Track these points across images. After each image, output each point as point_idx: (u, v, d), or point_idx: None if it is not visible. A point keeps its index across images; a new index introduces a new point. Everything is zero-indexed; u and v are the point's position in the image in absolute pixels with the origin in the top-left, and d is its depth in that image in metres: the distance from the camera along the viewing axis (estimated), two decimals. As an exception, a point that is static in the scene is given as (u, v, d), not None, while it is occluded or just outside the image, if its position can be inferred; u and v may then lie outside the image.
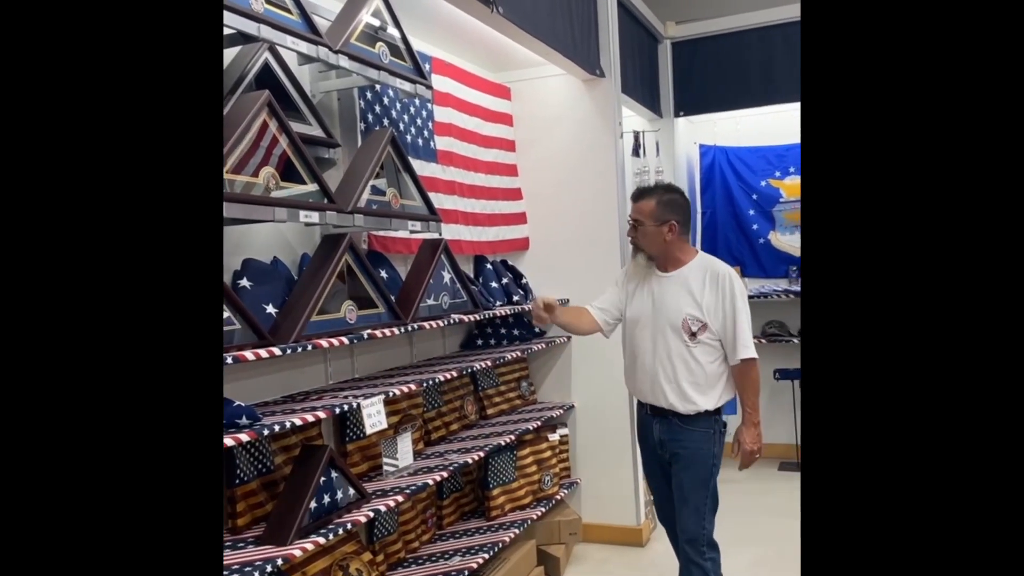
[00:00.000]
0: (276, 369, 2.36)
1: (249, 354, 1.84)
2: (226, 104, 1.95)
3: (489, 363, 3.05)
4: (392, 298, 2.47)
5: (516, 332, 3.60)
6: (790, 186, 5.07)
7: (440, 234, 2.78)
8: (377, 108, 2.82)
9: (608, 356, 3.44)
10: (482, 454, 2.87)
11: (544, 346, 3.59)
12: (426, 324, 2.60)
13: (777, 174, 5.09)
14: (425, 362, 3.10)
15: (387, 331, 2.37)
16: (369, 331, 2.29)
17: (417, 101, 3.01)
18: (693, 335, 2.43)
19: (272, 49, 2.13)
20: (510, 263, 3.74)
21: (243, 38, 2.02)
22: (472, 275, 3.38)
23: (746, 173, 5.16)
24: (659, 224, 2.47)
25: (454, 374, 2.77)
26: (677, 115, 5.01)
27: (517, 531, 3.05)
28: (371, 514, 2.21)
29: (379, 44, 2.50)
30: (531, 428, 3.30)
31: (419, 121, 3.07)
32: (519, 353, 3.33)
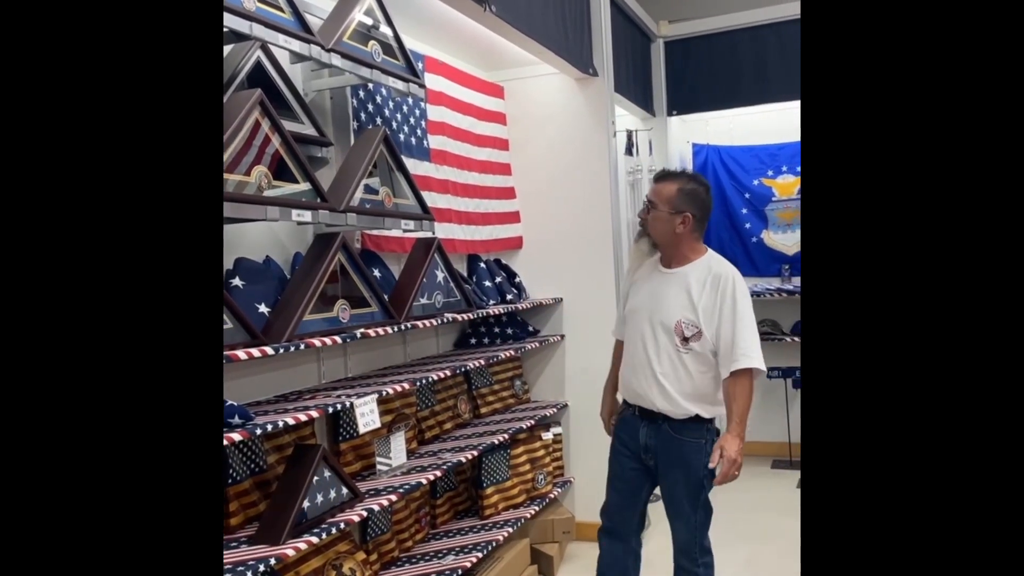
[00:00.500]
0: (269, 368, 2.36)
1: (242, 353, 1.84)
2: (218, 103, 1.94)
3: (483, 362, 3.05)
4: (385, 297, 2.47)
5: (510, 331, 3.60)
6: (783, 185, 5.09)
7: (433, 233, 2.77)
8: (370, 107, 2.81)
9: (601, 355, 3.44)
10: (476, 453, 2.88)
11: (538, 345, 3.60)
12: (419, 323, 2.60)
13: (770, 173, 5.11)
14: (418, 361, 3.10)
15: (380, 330, 2.37)
16: (362, 330, 2.28)
17: (410, 100, 3.01)
18: (685, 340, 2.27)
19: (264, 47, 2.12)
20: (503, 262, 3.75)
21: (235, 36, 2.01)
22: (466, 274, 3.38)
23: (739, 172, 5.17)
24: (673, 213, 2.28)
25: (447, 373, 2.77)
26: (670, 114, 5.03)
27: (511, 530, 3.05)
28: (364, 513, 2.21)
29: (372, 43, 2.50)
30: (525, 427, 3.31)
31: (412, 120, 3.07)
32: (513, 352, 3.33)
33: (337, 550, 2.32)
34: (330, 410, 2.14)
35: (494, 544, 2.91)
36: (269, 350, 1.92)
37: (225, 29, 1.94)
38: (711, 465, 2.22)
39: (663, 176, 2.38)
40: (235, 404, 1.90)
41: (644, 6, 4.63)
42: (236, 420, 1.86)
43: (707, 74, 4.90)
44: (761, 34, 4.75)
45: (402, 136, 2.99)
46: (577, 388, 3.78)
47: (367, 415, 2.24)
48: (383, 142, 2.50)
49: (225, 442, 1.77)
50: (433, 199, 3.07)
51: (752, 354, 2.20)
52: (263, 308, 2.10)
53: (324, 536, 2.04)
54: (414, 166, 2.96)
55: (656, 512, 2.74)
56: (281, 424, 1.94)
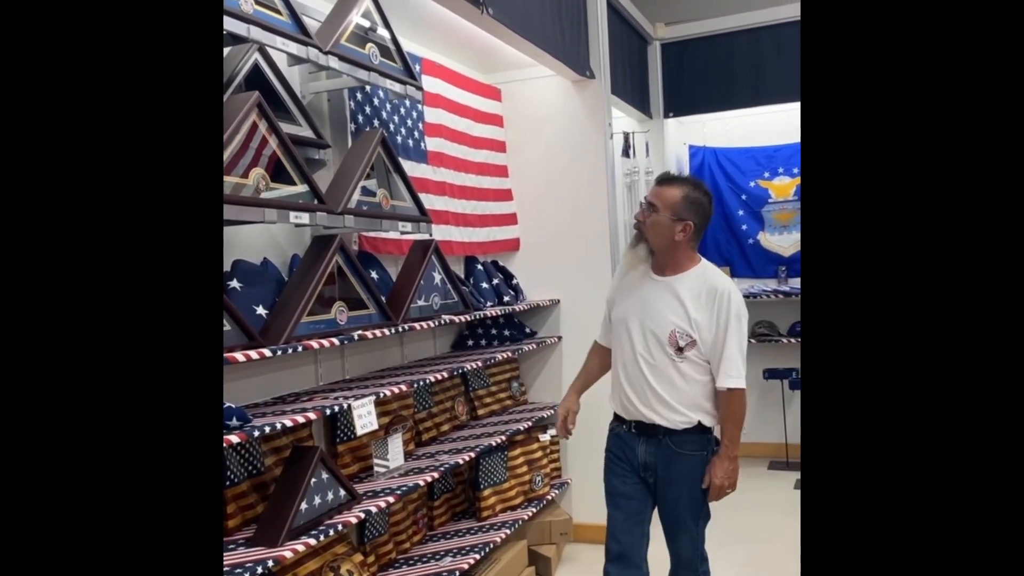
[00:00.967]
0: (266, 370, 2.36)
1: (239, 355, 1.84)
2: (216, 105, 1.94)
3: (480, 364, 3.05)
4: (383, 299, 2.47)
5: (507, 333, 3.61)
6: (779, 186, 5.10)
7: (431, 235, 2.78)
8: (367, 109, 2.81)
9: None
10: (473, 455, 2.88)
11: (535, 347, 3.60)
12: (417, 325, 2.60)
13: (766, 175, 5.12)
14: (416, 363, 3.10)
15: (378, 332, 2.37)
16: (360, 332, 2.29)
17: (407, 102, 3.01)
18: (680, 350, 2.18)
19: (262, 50, 2.12)
20: (501, 264, 3.75)
21: (232, 39, 2.01)
22: (463, 276, 3.38)
23: (735, 174, 5.19)
24: (675, 219, 2.19)
25: (445, 375, 2.77)
26: (667, 116, 5.04)
27: (508, 531, 3.05)
28: (362, 515, 2.21)
29: (369, 45, 2.50)
30: (522, 429, 3.31)
31: (409, 122, 3.07)
32: (510, 354, 3.33)
33: (335, 552, 2.32)
34: (328, 412, 2.14)
35: (492, 546, 2.91)
36: (267, 352, 1.92)
37: (223, 32, 1.94)
38: (704, 486, 2.23)
39: (668, 180, 2.27)
40: (233, 406, 1.90)
41: (641, 8, 4.64)
42: (234, 422, 1.86)
43: (704, 76, 4.91)
44: (757, 36, 4.76)
45: (399, 138, 2.99)
46: (574, 390, 3.78)
47: (365, 417, 2.24)
48: (380, 144, 2.50)
49: (223, 444, 1.77)
50: (430, 201, 3.08)
51: (736, 374, 2.17)
52: (261, 310, 2.10)
53: (322, 538, 2.04)
54: (411, 168, 2.96)
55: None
56: (279, 426, 1.94)
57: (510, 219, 3.83)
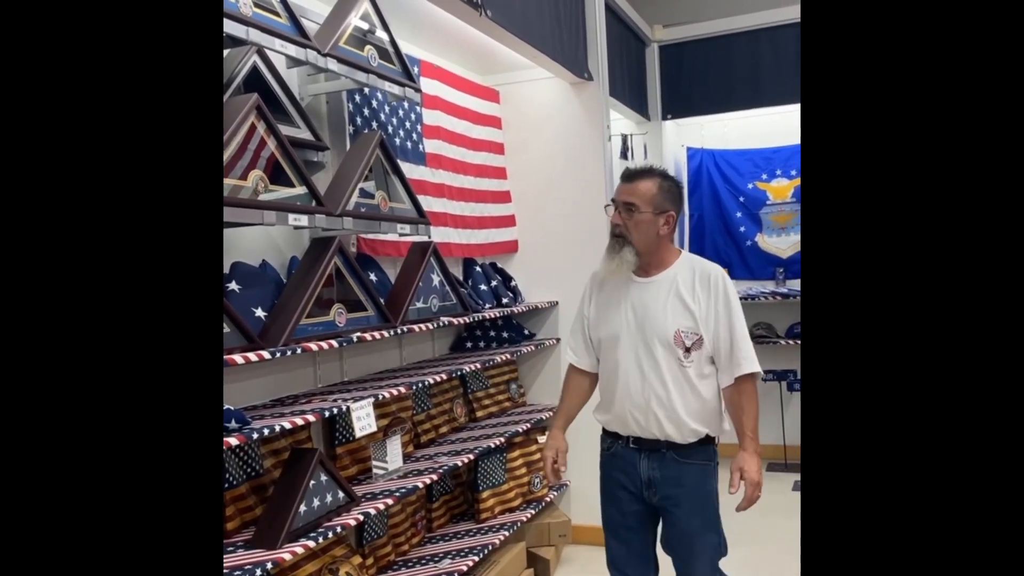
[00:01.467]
0: (265, 373, 2.36)
1: (238, 357, 1.84)
2: (214, 107, 1.95)
3: (478, 365, 3.05)
4: (381, 301, 2.47)
5: (505, 334, 3.61)
6: (777, 188, 5.11)
7: (429, 237, 2.78)
8: (366, 111, 2.82)
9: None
10: (472, 456, 2.88)
11: (533, 348, 3.60)
12: (415, 327, 2.60)
13: (764, 177, 5.13)
14: (414, 365, 3.10)
15: (376, 334, 2.37)
16: (358, 334, 2.29)
17: (406, 104, 3.02)
18: (688, 351, 2.03)
19: (260, 52, 2.13)
20: (499, 265, 3.75)
21: (232, 41, 2.02)
22: (461, 278, 3.38)
23: (733, 176, 5.20)
24: (657, 213, 2.05)
25: (443, 377, 2.77)
26: (665, 118, 5.04)
27: (507, 533, 3.05)
28: (361, 517, 2.21)
29: (368, 47, 2.51)
30: (520, 430, 3.31)
31: (408, 124, 3.07)
32: (508, 355, 3.33)
33: (333, 554, 2.32)
34: (326, 414, 2.14)
35: (490, 548, 2.91)
36: (266, 354, 1.92)
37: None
38: (731, 491, 2.04)
39: (636, 175, 2.10)
40: (231, 408, 1.90)
41: (639, 10, 4.65)
42: (232, 424, 1.86)
43: (702, 78, 4.92)
44: (755, 39, 4.77)
45: (398, 140, 2.99)
46: (573, 391, 3.78)
47: (363, 419, 2.24)
48: (379, 146, 2.50)
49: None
50: (429, 203, 3.08)
51: (752, 357, 2.04)
52: (259, 312, 2.10)
53: (320, 540, 2.04)
54: (410, 170, 2.97)
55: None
56: (277, 428, 1.94)
57: (508, 221, 3.83)
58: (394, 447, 2.60)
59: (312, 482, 2.08)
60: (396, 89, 2.62)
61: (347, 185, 2.34)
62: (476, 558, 2.79)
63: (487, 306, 3.32)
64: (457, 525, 3.14)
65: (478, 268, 3.47)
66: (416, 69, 3.11)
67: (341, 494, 2.21)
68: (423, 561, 2.75)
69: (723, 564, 2.23)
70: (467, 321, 3.03)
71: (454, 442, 3.06)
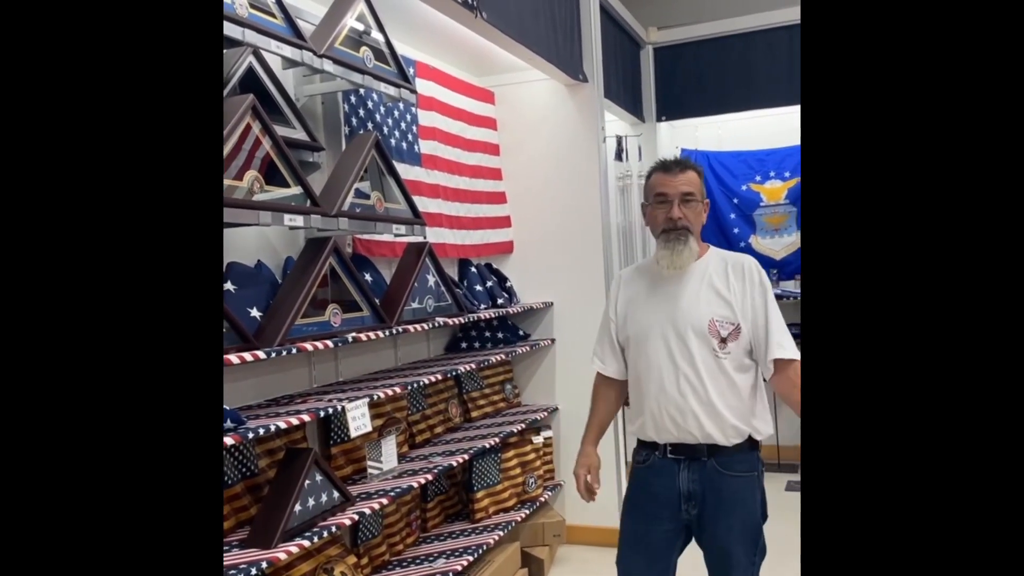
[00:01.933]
0: (260, 372, 2.36)
1: (234, 357, 1.85)
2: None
3: (473, 366, 3.06)
4: (376, 301, 2.48)
5: (500, 335, 3.62)
6: (770, 190, 5.12)
7: (424, 237, 2.79)
8: (361, 112, 2.82)
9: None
10: (466, 457, 2.88)
11: (528, 349, 3.61)
12: (410, 327, 2.61)
13: (758, 178, 5.15)
14: (409, 365, 3.11)
15: (372, 334, 2.37)
16: (354, 334, 2.29)
17: (401, 105, 3.02)
18: (723, 341, 1.94)
19: (256, 53, 2.13)
20: (494, 266, 3.76)
21: (228, 42, 2.02)
22: (456, 278, 3.39)
23: (727, 177, 5.21)
24: (703, 200, 2.03)
25: (438, 377, 2.78)
26: (659, 120, 5.06)
27: (501, 533, 3.06)
28: (356, 517, 2.21)
29: (363, 48, 2.51)
30: (515, 431, 3.32)
31: (403, 125, 3.08)
32: (503, 356, 3.34)
33: (328, 554, 2.32)
34: (321, 414, 2.14)
35: (485, 548, 2.92)
36: (261, 354, 1.93)
37: (217, 35, 1.95)
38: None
39: (680, 165, 2.02)
40: (227, 408, 1.90)
41: (634, 13, 4.66)
42: (228, 424, 1.86)
43: (696, 80, 4.94)
44: (750, 41, 4.79)
45: (393, 141, 3.00)
46: (568, 392, 3.80)
47: (358, 419, 2.24)
48: (374, 147, 2.51)
49: (217, 446, 1.78)
50: (424, 204, 3.09)
51: (792, 344, 1.97)
52: (255, 312, 2.11)
53: (315, 540, 2.05)
54: (405, 171, 2.98)
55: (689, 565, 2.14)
56: (273, 428, 1.94)
57: (504, 222, 3.84)
58: (389, 447, 2.61)
59: (307, 482, 2.08)
60: (392, 90, 2.63)
61: (343, 186, 2.34)
62: (470, 558, 2.80)
63: (482, 307, 3.33)
64: (452, 525, 3.15)
65: (473, 269, 3.48)
66: (411, 70, 3.11)
67: (336, 494, 2.21)
68: (418, 561, 2.75)
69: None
70: (462, 321, 3.04)
71: (449, 442, 3.07)
